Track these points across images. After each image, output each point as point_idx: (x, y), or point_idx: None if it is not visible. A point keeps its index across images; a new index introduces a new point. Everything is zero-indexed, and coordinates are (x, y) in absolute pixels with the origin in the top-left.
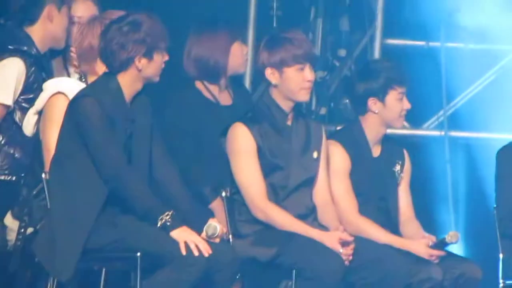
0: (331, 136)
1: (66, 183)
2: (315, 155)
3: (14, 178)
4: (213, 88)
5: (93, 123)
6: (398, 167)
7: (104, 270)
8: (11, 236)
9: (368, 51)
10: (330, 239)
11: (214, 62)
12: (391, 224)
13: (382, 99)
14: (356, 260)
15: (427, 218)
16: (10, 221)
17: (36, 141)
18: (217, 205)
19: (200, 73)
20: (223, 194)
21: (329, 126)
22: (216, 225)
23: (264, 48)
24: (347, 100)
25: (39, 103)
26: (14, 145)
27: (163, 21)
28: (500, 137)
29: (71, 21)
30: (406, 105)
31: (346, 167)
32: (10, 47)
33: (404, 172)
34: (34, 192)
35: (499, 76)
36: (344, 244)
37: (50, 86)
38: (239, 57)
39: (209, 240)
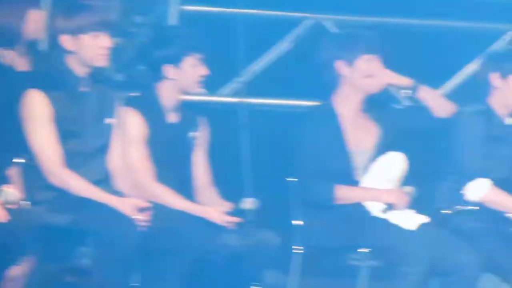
0: (127, 103)
1: None
2: (110, 121)
3: None
4: (10, 54)
5: None
6: (194, 134)
7: None
8: None
9: (165, 18)
10: (126, 205)
11: (10, 27)
12: (188, 190)
13: (178, 65)
14: (152, 226)
15: (224, 185)
16: None
17: None
18: (13, 172)
19: None
20: (19, 160)
21: (125, 92)
22: (12, 191)
23: (60, 14)
24: (144, 67)
25: None
26: None
27: None
28: (296, 103)
29: None
30: (203, 71)
31: (142, 134)
32: None
33: (201, 138)
34: None
35: (296, 43)
36: (140, 210)
37: None
38: (36, 23)
39: (5, 206)
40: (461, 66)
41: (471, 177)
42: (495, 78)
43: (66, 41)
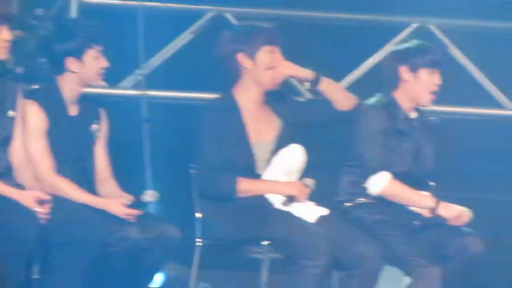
0: (27, 95)
1: None
2: (11, 114)
3: None
4: None
5: None
6: (95, 126)
7: None
8: None
9: (66, 10)
10: (27, 198)
11: None
12: (89, 183)
13: (80, 58)
14: (53, 219)
15: (125, 178)
16: None
17: None
18: None
19: None
20: None
21: (25, 85)
22: None
23: None
24: (45, 60)
25: None
26: None
27: None
28: (197, 96)
29: None
30: (104, 63)
31: (42, 126)
32: None
33: (102, 131)
34: None
35: (197, 35)
36: (41, 203)
37: None
38: None
39: None
40: (363, 58)
41: (373, 170)
42: (404, 72)
43: None
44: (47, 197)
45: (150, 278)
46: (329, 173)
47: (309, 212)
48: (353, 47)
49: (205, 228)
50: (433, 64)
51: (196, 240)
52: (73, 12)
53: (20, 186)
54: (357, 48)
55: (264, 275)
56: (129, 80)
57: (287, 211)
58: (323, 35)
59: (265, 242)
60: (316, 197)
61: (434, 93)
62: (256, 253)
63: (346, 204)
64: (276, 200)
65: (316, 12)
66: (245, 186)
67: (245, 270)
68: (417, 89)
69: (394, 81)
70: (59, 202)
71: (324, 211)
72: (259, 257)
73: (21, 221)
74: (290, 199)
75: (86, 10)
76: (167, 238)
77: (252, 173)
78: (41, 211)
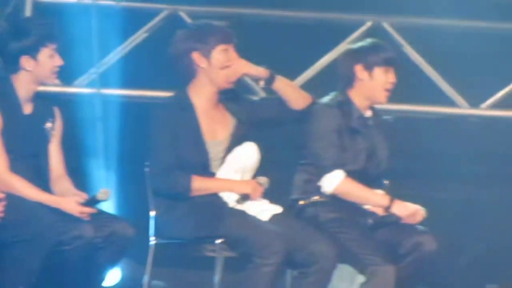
0: None
1: None
2: None
3: None
4: None
5: None
6: (49, 125)
7: None
8: None
9: (20, 9)
10: None
11: None
12: (43, 181)
13: (34, 56)
14: (7, 217)
15: (79, 176)
16: None
17: None
18: None
19: None
20: None
21: None
22: None
23: None
24: None
25: None
26: None
27: None
28: (152, 94)
29: None
30: (58, 61)
31: None
32: None
33: (56, 129)
34: None
35: (151, 34)
36: None
37: None
38: None
39: None
40: (318, 57)
41: (327, 169)
42: (359, 70)
43: None
44: (1, 195)
45: (104, 277)
46: (283, 171)
47: (263, 210)
48: (307, 45)
49: (159, 226)
50: (387, 62)
51: (150, 238)
52: (28, 11)
53: None
54: (311, 47)
55: (218, 273)
56: (84, 78)
57: (241, 210)
58: (277, 33)
59: (219, 241)
60: (270, 196)
61: (388, 90)
62: (210, 251)
63: (300, 202)
64: (230, 199)
65: (271, 10)
66: (199, 185)
67: (199, 269)
68: (372, 87)
69: (349, 80)
70: (12, 200)
71: (278, 209)
72: (213, 255)
73: None
74: (244, 197)
75: (41, 9)
76: (120, 236)
77: (206, 171)
78: None
